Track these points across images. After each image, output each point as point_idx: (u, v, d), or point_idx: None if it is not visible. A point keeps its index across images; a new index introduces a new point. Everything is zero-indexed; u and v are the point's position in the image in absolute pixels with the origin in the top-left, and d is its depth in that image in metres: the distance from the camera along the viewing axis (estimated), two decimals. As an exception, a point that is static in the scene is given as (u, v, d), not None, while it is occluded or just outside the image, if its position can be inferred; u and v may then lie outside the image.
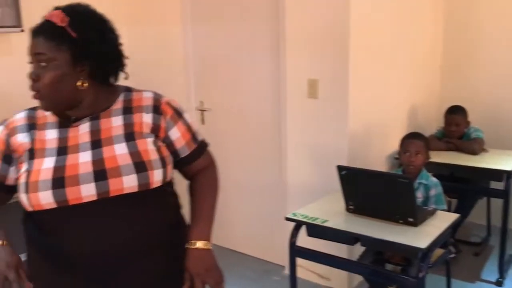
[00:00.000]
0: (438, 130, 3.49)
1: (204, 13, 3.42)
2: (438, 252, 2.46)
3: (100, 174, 1.24)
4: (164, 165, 1.32)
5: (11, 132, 1.31)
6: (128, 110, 1.34)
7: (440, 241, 2.23)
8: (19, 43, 3.13)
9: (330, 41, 2.80)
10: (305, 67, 2.92)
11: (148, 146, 1.30)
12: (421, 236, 2.13)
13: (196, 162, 1.44)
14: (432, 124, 3.74)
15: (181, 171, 1.47)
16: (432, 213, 2.36)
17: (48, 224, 1.27)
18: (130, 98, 1.37)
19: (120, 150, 1.27)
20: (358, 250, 2.73)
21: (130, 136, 1.30)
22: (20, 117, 1.34)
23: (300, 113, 3.00)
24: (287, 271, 2.94)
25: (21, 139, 1.30)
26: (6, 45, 3.07)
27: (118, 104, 1.35)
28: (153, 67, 3.57)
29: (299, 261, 2.47)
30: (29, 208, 1.26)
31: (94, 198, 1.24)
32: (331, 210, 2.44)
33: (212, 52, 3.45)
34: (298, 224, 2.39)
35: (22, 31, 3.00)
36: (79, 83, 1.26)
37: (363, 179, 2.37)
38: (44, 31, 1.25)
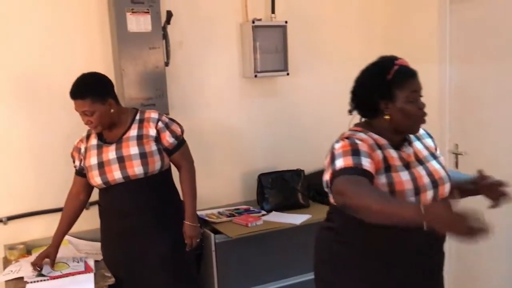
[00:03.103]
0: None
1: (464, 51, 3.21)
2: None
3: (435, 183, 1.64)
4: (449, 179, 1.73)
5: (372, 148, 1.62)
6: (417, 137, 1.78)
7: None
8: (283, 85, 3.48)
9: None
10: None
11: (443, 162, 1.78)
12: None
13: None
14: None
15: None
16: None
17: None
18: None
19: (436, 165, 1.71)
20: None
21: (433, 155, 1.76)
22: (366, 137, 1.66)
23: None
24: None
25: (379, 154, 1.63)
26: (273, 87, 3.42)
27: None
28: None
29: None
30: None
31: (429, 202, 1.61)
32: None
33: (472, 91, 3.18)
34: None
35: (288, 74, 3.30)
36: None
37: None
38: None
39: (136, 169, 2.25)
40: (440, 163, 1.75)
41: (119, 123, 2.31)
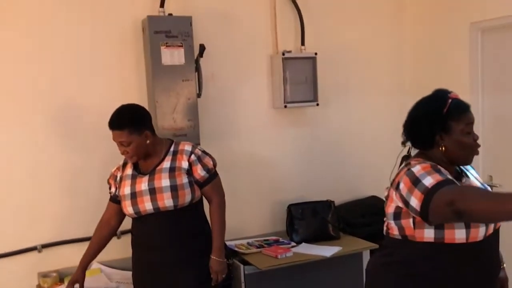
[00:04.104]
0: None
1: (496, 81, 3.17)
2: None
3: None
4: None
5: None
6: (466, 169, 1.83)
7: None
8: (313, 116, 3.49)
9: None
10: None
11: None
12: None
13: None
14: None
15: None
16: None
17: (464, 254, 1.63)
18: None
19: None
20: None
21: (483, 185, 1.79)
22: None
23: None
24: None
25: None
26: (302, 117, 3.44)
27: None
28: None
29: None
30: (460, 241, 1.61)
31: (491, 231, 1.65)
32: None
33: (506, 122, 3.13)
34: None
35: (317, 105, 3.32)
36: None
37: None
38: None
39: (166, 201, 2.27)
40: None
41: (154, 153, 2.34)
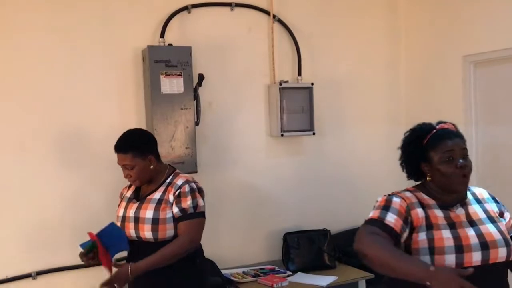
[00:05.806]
0: None
1: (490, 112, 3.23)
2: None
3: (484, 245, 1.63)
4: (507, 244, 1.68)
5: (411, 206, 1.70)
6: (478, 200, 1.78)
7: None
8: (309, 145, 3.53)
9: None
10: None
11: (503, 227, 1.72)
12: None
13: None
14: None
15: None
16: None
17: None
18: (473, 191, 1.80)
19: (491, 228, 1.69)
20: None
21: (491, 219, 1.73)
22: (410, 196, 1.74)
23: None
24: None
25: (419, 213, 1.70)
26: (299, 146, 3.48)
27: (470, 196, 1.78)
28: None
29: None
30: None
31: (479, 263, 1.61)
32: None
33: (500, 152, 3.18)
34: None
35: (314, 134, 3.36)
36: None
37: None
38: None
39: (147, 233, 2.24)
40: (498, 227, 1.71)
41: (155, 180, 2.33)
